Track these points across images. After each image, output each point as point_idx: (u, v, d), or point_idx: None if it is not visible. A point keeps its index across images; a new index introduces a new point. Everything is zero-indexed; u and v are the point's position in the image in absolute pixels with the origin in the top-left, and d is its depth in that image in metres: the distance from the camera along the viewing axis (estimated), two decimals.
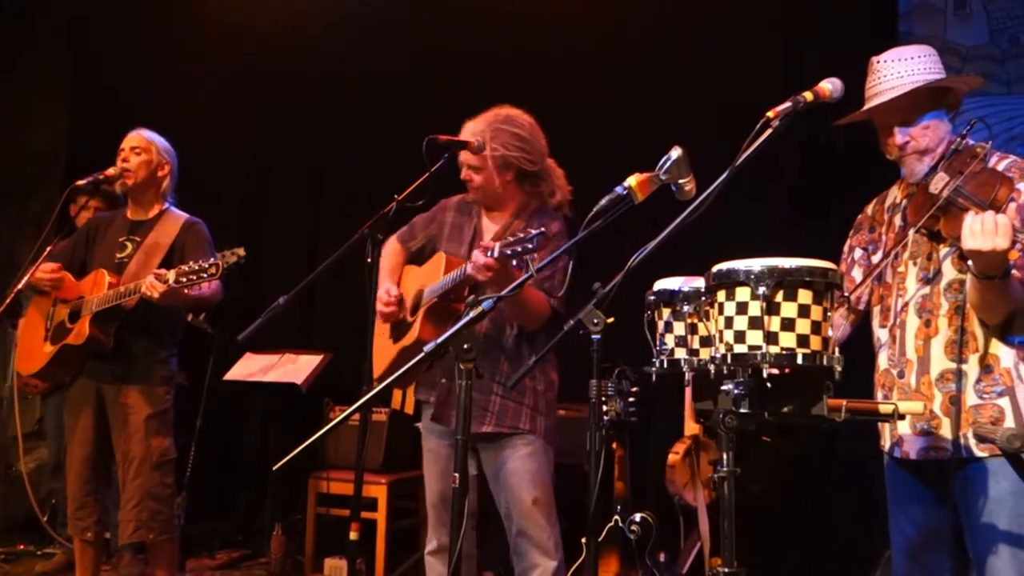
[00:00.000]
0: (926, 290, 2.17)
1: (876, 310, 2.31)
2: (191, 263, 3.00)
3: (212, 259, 2.98)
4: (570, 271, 2.15)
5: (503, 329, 2.72)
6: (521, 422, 2.69)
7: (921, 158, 2.19)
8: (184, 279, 2.96)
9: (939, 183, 2.05)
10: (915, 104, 2.18)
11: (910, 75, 2.17)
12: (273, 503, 4.68)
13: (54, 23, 5.73)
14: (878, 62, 2.23)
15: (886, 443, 2.27)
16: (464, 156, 2.75)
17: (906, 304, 2.19)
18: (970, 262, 1.94)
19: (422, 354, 1.85)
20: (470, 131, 2.75)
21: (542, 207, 2.83)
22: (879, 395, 2.27)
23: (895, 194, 2.36)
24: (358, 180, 5.08)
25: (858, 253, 2.39)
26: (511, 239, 2.33)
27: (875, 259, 2.33)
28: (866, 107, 2.23)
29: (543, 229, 2.33)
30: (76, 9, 5.62)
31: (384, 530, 4.23)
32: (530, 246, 2.30)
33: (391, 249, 2.98)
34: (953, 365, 2.10)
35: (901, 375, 2.19)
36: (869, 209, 2.43)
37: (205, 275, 2.97)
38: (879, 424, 2.26)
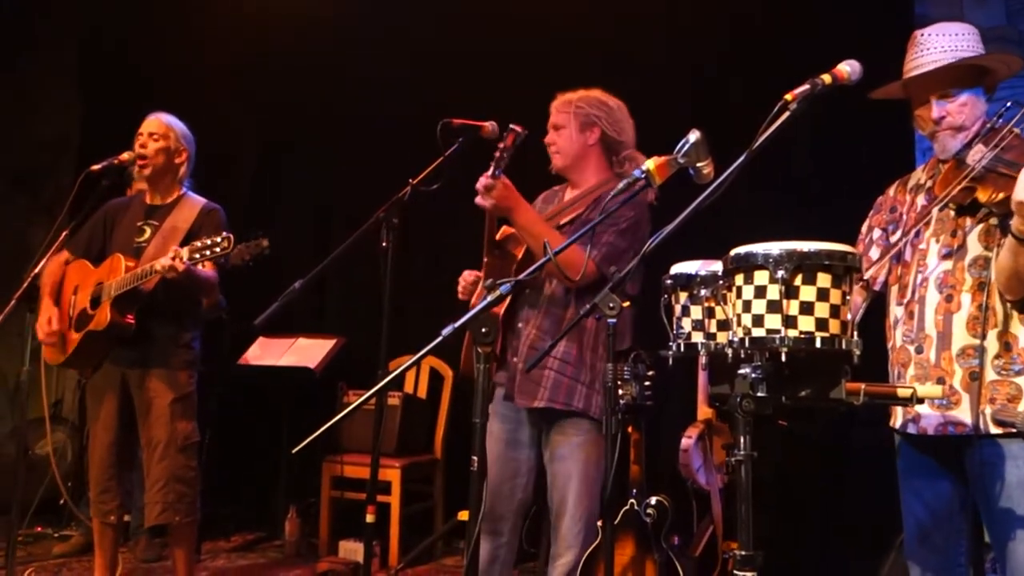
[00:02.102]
0: (948, 265, 2.14)
1: (894, 289, 2.28)
2: (203, 239, 3.02)
3: (225, 233, 3.00)
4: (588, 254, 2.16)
5: (567, 304, 2.70)
6: (575, 400, 2.64)
7: (955, 135, 2.17)
8: (197, 254, 2.99)
9: (976, 154, 2.04)
10: (955, 79, 2.16)
11: (953, 50, 2.15)
12: (287, 486, 4.72)
13: (64, 13, 5.73)
14: (921, 35, 2.21)
15: (897, 421, 2.24)
16: (550, 119, 2.81)
17: (925, 279, 2.17)
18: (1012, 221, 1.90)
19: (439, 338, 1.85)
20: (559, 100, 2.83)
21: None
22: (894, 372, 2.24)
23: (919, 176, 2.34)
24: (370, 162, 5.07)
25: (877, 233, 2.37)
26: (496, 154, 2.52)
27: (893, 239, 2.31)
28: (906, 77, 2.22)
29: (513, 126, 2.53)
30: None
31: (398, 513, 4.26)
32: (502, 145, 2.52)
33: None
34: (975, 341, 2.07)
35: (919, 350, 2.16)
36: (891, 190, 2.41)
37: (218, 249, 2.98)
38: None
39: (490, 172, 2.50)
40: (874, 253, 2.35)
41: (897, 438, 2.30)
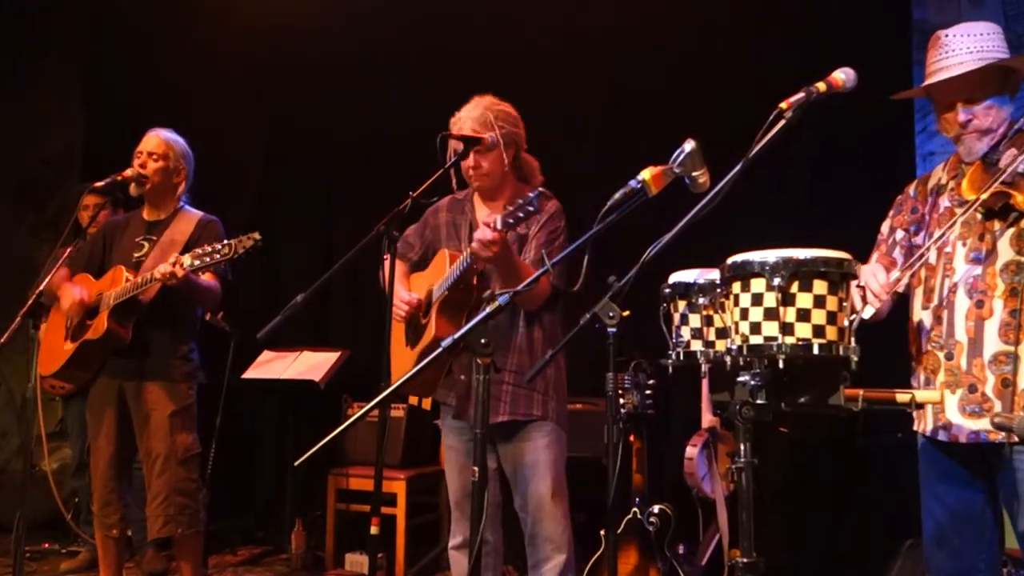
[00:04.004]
0: (977, 270, 2.10)
1: (918, 292, 2.23)
2: (204, 247, 3.04)
3: (225, 241, 3.02)
4: (587, 262, 2.16)
5: (514, 318, 2.74)
6: (534, 408, 2.70)
7: (981, 138, 2.14)
8: (199, 261, 3.01)
9: (1008, 158, 2.01)
10: (982, 82, 2.12)
11: (979, 51, 2.11)
12: (293, 499, 4.72)
13: (66, 27, 5.77)
14: (945, 36, 2.16)
15: (927, 426, 2.19)
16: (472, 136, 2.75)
17: (954, 284, 2.13)
18: None
19: (439, 349, 1.86)
20: (469, 116, 2.74)
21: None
22: (921, 378, 2.20)
23: (940, 175, 2.30)
24: (371, 175, 5.10)
25: (900, 234, 2.33)
26: (510, 208, 2.36)
27: (916, 240, 2.27)
28: (931, 81, 2.17)
29: (540, 190, 2.39)
30: (88, 12, 5.66)
31: (404, 525, 4.26)
32: (531, 208, 2.33)
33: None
34: (1008, 348, 2.04)
35: (950, 357, 2.12)
36: (911, 190, 2.36)
37: (218, 255, 3.00)
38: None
39: (499, 225, 2.38)
40: (897, 254, 2.31)
41: (920, 441, 2.25)
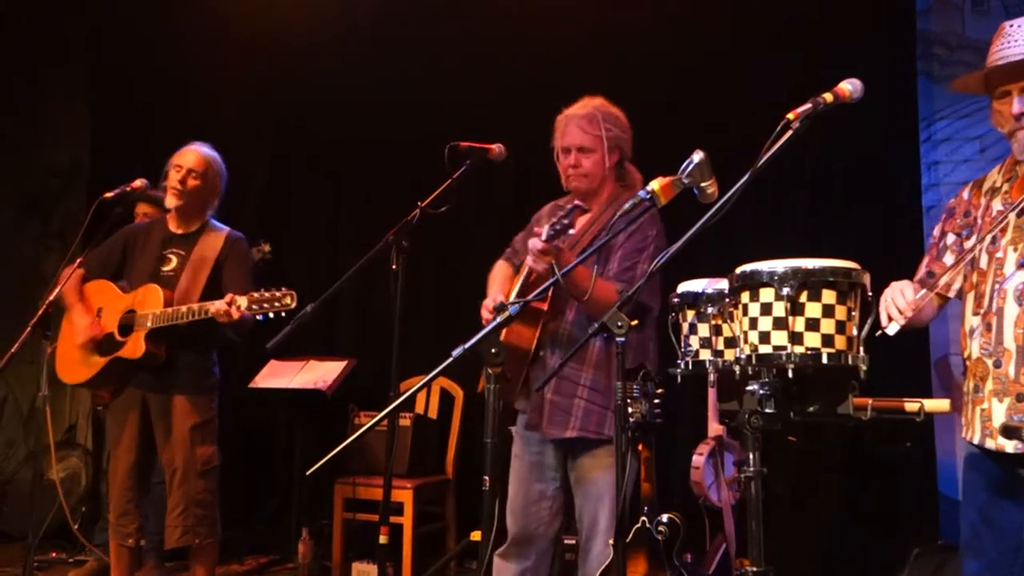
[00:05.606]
0: None
1: (969, 297, 2.18)
2: (263, 291, 3.04)
3: (284, 289, 3.04)
4: (596, 273, 2.17)
5: (587, 331, 2.72)
6: (606, 427, 2.65)
7: None
8: (255, 306, 3.02)
9: None
10: None
11: None
12: (300, 509, 4.72)
13: (72, 37, 5.79)
14: (1010, 26, 2.11)
15: (974, 435, 2.15)
16: (572, 138, 2.72)
17: (1004, 290, 2.08)
18: None
19: (449, 359, 1.87)
20: (576, 114, 2.73)
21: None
22: (970, 385, 2.16)
23: (994, 178, 2.25)
24: (377, 183, 5.10)
25: (951, 239, 2.28)
26: (553, 218, 2.35)
27: (967, 245, 2.22)
28: (989, 67, 2.11)
29: (576, 203, 2.37)
30: (93, 22, 5.68)
31: (411, 534, 4.26)
32: (565, 221, 2.32)
33: (498, 268, 2.98)
34: None
35: (998, 364, 2.07)
36: (964, 193, 2.31)
37: (278, 304, 3.01)
38: (964, 413, 2.16)
39: (544, 236, 2.37)
40: (948, 259, 2.27)
41: (967, 449, 2.21)
